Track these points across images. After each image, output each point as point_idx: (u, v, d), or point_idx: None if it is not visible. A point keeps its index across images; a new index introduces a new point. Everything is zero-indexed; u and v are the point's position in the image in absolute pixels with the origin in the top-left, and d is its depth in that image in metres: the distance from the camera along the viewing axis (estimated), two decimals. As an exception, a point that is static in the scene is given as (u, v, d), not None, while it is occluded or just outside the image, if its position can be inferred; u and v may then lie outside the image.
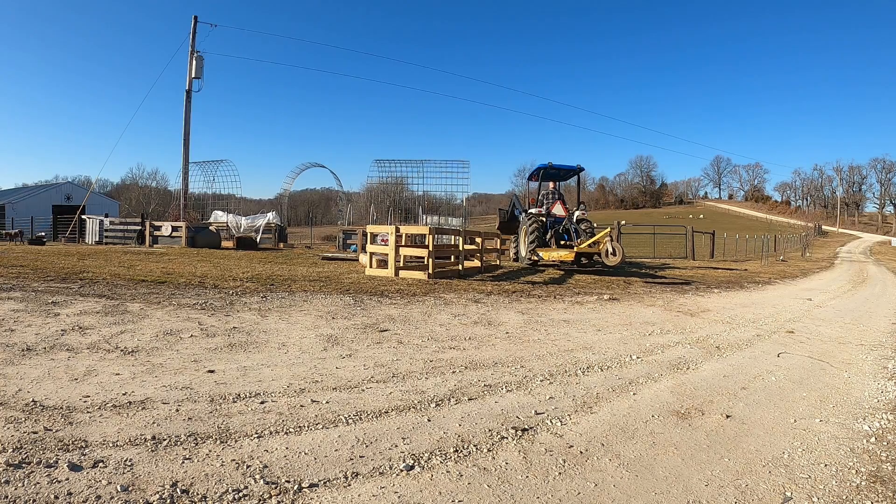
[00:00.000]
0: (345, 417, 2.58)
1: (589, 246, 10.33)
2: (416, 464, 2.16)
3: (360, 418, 2.59)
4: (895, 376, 4.06)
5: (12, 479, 1.81)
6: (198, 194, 25.48)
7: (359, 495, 1.89)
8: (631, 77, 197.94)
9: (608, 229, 10.74)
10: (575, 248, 10.51)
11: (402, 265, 8.93)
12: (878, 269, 20.50)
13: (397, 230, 8.68)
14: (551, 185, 12.99)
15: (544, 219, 11.96)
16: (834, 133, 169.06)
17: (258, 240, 18.38)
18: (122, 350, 3.54)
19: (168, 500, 1.75)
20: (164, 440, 2.19)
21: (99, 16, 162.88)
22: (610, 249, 9.84)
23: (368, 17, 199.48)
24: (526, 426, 2.62)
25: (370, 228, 9.94)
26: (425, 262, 9.02)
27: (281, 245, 19.83)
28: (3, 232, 21.27)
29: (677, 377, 3.70)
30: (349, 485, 1.95)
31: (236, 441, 2.24)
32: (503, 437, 2.47)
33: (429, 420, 2.63)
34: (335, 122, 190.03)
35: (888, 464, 2.42)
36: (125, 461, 1.99)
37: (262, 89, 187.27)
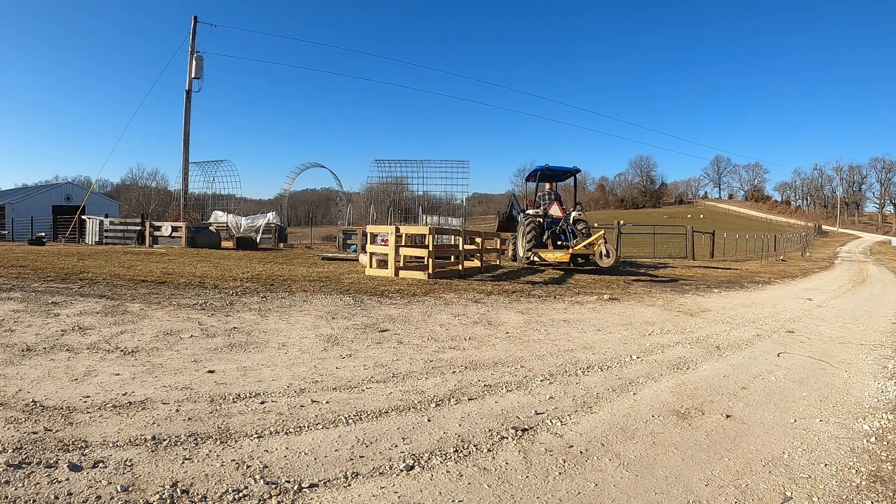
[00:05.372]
0: (345, 417, 2.58)
1: (584, 247, 10.45)
2: (416, 464, 2.15)
3: (360, 418, 2.59)
4: (895, 376, 4.06)
5: (12, 479, 1.81)
6: (198, 194, 25.47)
7: (359, 495, 1.89)
8: (631, 77, 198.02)
9: (602, 231, 10.84)
10: (570, 250, 10.64)
11: (402, 265, 8.93)
12: (878, 269, 20.49)
13: (397, 230, 8.68)
14: (548, 186, 13.10)
15: (541, 220, 12.06)
16: (834, 133, 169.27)
17: (258, 240, 18.39)
18: (122, 350, 3.54)
19: (168, 501, 1.75)
20: (164, 440, 2.19)
21: (99, 16, 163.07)
22: (604, 251, 9.96)
23: (368, 17, 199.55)
24: (526, 426, 2.62)
25: (370, 228, 9.95)
26: (425, 262, 9.02)
27: (281, 245, 19.84)
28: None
29: (677, 377, 3.70)
30: (349, 485, 1.95)
31: (236, 441, 2.24)
32: (503, 437, 2.47)
33: (429, 420, 2.63)
34: (335, 122, 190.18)
35: (888, 463, 2.42)
36: (125, 461, 1.99)
37: (262, 89, 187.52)
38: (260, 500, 1.80)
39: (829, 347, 5.08)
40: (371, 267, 8.98)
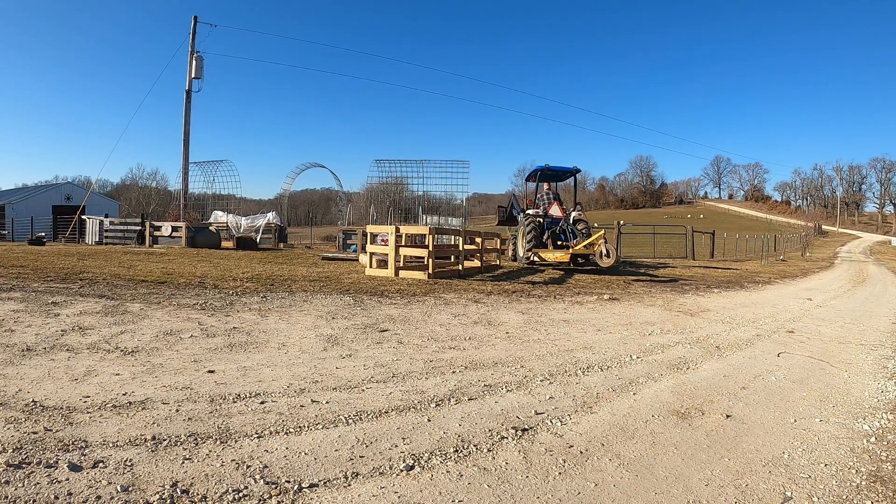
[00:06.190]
0: (345, 417, 2.58)
1: (584, 247, 10.48)
2: (416, 464, 2.15)
3: (360, 418, 2.59)
4: (895, 376, 4.06)
5: (12, 479, 1.81)
6: (198, 194, 25.49)
7: (359, 495, 1.89)
8: (631, 77, 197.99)
9: (602, 231, 10.87)
10: (570, 250, 10.66)
11: (402, 265, 8.93)
12: (878, 269, 20.49)
13: (397, 230, 8.68)
14: (547, 186, 13.12)
15: (541, 220, 12.08)
16: (834, 133, 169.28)
17: (258, 240, 18.38)
18: (122, 350, 3.54)
19: (168, 501, 1.75)
20: (164, 440, 2.19)
21: (99, 16, 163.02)
22: (604, 251, 9.99)
23: (368, 17, 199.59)
24: (526, 426, 2.62)
25: (370, 228, 9.95)
26: (425, 262, 9.02)
27: (281, 245, 19.83)
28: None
29: (677, 377, 3.70)
30: (349, 485, 1.95)
31: (236, 441, 2.24)
32: (503, 437, 2.47)
33: (429, 420, 2.63)
34: (335, 122, 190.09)
35: (888, 463, 2.42)
36: (125, 461, 1.99)
37: (262, 89, 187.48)
38: (260, 500, 1.80)
39: (829, 347, 5.08)
40: (371, 267, 8.98)
